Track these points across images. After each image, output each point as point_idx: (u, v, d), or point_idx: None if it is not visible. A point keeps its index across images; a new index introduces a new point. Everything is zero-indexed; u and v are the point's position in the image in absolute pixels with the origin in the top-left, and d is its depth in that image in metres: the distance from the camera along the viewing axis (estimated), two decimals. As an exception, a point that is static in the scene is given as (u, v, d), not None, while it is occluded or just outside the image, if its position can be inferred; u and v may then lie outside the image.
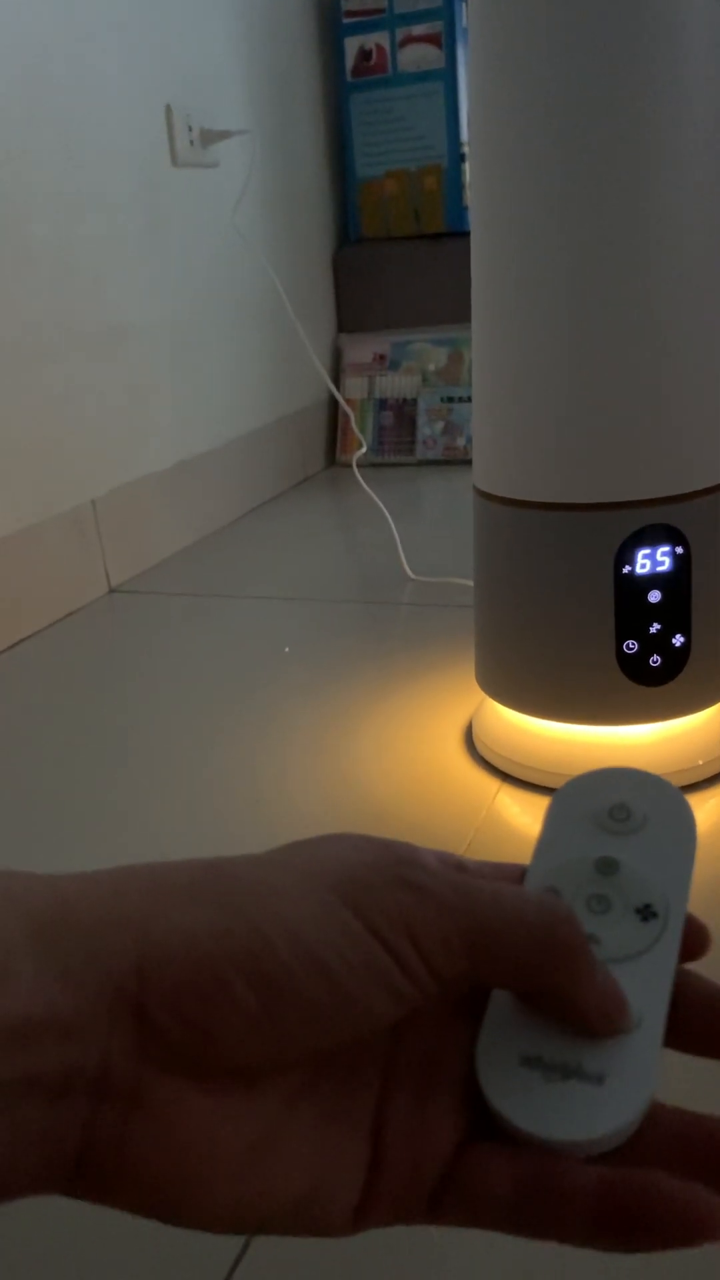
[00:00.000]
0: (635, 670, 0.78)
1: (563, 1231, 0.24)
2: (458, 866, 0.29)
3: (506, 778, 0.86)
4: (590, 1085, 0.26)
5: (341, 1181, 0.25)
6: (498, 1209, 0.25)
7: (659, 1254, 0.24)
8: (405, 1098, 0.27)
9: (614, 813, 0.31)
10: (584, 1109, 0.25)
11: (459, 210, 1.90)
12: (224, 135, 1.60)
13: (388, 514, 1.42)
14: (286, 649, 1.19)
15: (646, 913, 0.29)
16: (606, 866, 0.30)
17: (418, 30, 1.85)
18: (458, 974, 0.26)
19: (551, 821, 0.32)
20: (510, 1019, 0.28)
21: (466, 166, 1.88)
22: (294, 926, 0.25)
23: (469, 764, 0.89)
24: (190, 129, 1.55)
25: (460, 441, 1.92)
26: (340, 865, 0.26)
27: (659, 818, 0.31)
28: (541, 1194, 0.25)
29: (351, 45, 1.89)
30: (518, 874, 0.31)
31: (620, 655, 0.77)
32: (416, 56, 1.86)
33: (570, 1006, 0.27)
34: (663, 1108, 0.26)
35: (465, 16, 1.74)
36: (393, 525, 1.41)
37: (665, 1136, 0.26)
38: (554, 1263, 0.47)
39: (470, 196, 0.79)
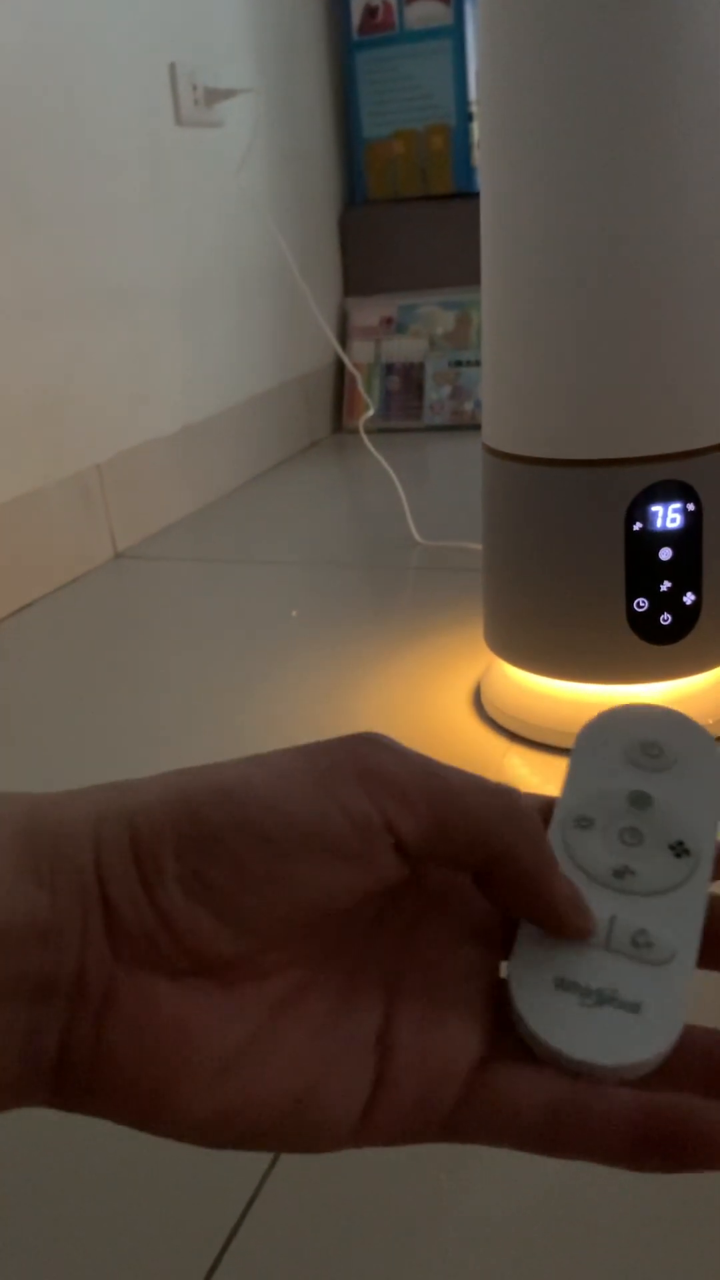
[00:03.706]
0: (645, 629, 0.77)
1: (599, 1152, 0.25)
2: None
3: (515, 738, 0.85)
4: (626, 1013, 0.26)
5: (338, 1092, 0.25)
6: (527, 1129, 0.25)
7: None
8: (414, 1013, 0.27)
9: (646, 749, 0.31)
10: (621, 1035, 0.26)
11: (467, 171, 1.87)
12: (228, 94, 1.58)
13: (395, 478, 1.41)
14: (294, 613, 1.18)
15: (679, 849, 0.29)
16: (640, 800, 0.30)
17: (425, -14, 1.82)
18: (419, 828, 0.25)
19: (581, 753, 0.32)
20: (543, 941, 0.28)
21: (475, 126, 1.85)
22: (229, 792, 0.25)
23: (477, 725, 0.89)
24: (194, 87, 1.53)
25: (468, 406, 1.91)
26: (313, 745, 0.27)
27: (689, 758, 0.31)
28: (578, 1115, 0.25)
29: (357, 2, 1.86)
30: (542, 802, 0.31)
31: (630, 613, 0.77)
32: (424, 13, 1.83)
33: (538, 888, 0.27)
34: (692, 1027, 0.26)
35: (473, -29, 1.71)
36: (400, 490, 1.40)
37: (696, 1056, 0.26)
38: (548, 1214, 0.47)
39: (479, 154, 0.77)
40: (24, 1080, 0.24)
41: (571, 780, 0.31)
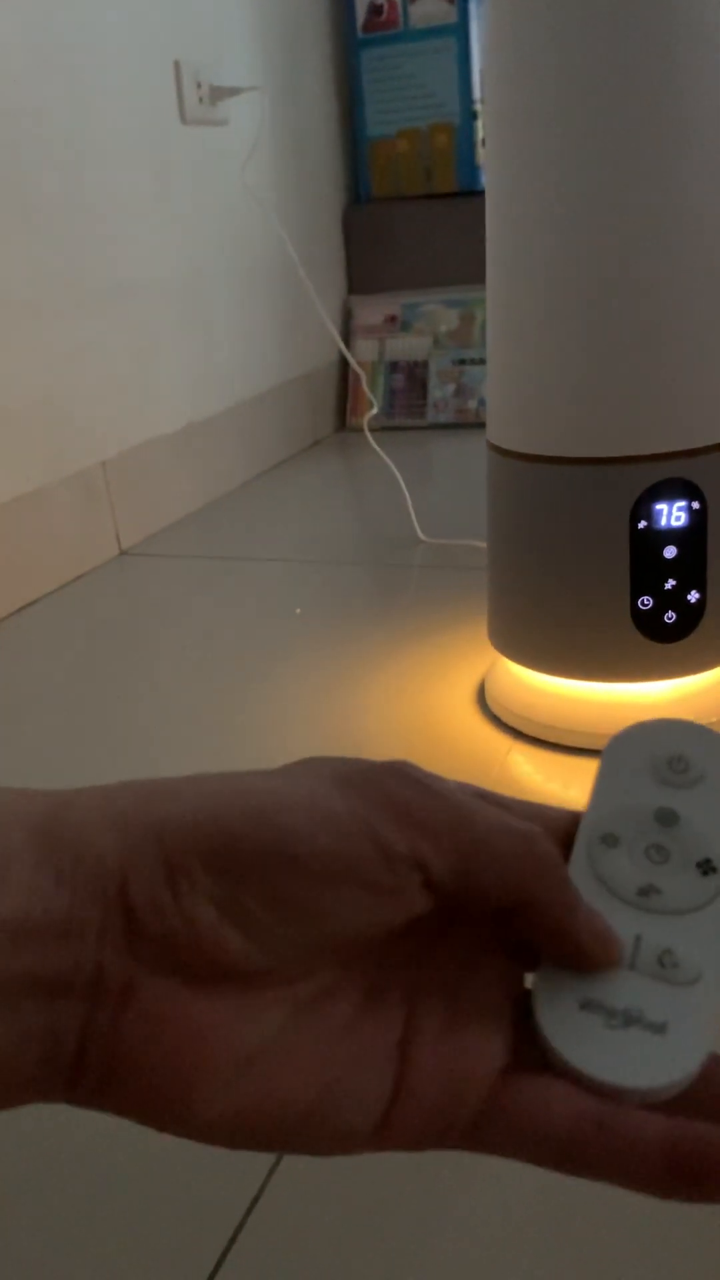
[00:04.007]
0: (650, 627, 0.77)
1: (623, 1174, 0.24)
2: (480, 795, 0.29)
3: (519, 735, 0.85)
4: (652, 1034, 0.26)
5: (357, 1096, 0.25)
6: (552, 1144, 0.25)
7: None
8: (436, 1020, 0.26)
9: (673, 764, 0.31)
10: (647, 1057, 0.25)
11: (471, 169, 1.87)
12: (233, 92, 1.58)
13: (399, 476, 1.41)
14: (298, 611, 1.18)
15: (706, 867, 0.28)
16: (666, 817, 0.30)
17: (429, -16, 1.82)
18: (448, 867, 0.25)
19: (607, 768, 0.31)
20: None
21: (479, 124, 1.85)
22: (266, 816, 0.24)
23: (481, 722, 0.89)
24: (199, 85, 1.53)
25: (472, 404, 1.91)
26: (343, 766, 0.26)
27: (717, 773, 0.31)
28: (604, 1136, 0.24)
29: (362, 0, 1.86)
30: (567, 818, 0.30)
31: (635, 612, 0.77)
32: (428, 11, 1.83)
33: (561, 930, 0.26)
34: (714, 1056, 0.26)
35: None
36: (404, 488, 1.40)
37: (717, 1084, 0.26)
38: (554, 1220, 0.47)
39: (485, 151, 0.78)
40: (42, 1077, 0.24)
41: (597, 796, 0.30)
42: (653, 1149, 0.24)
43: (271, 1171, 0.51)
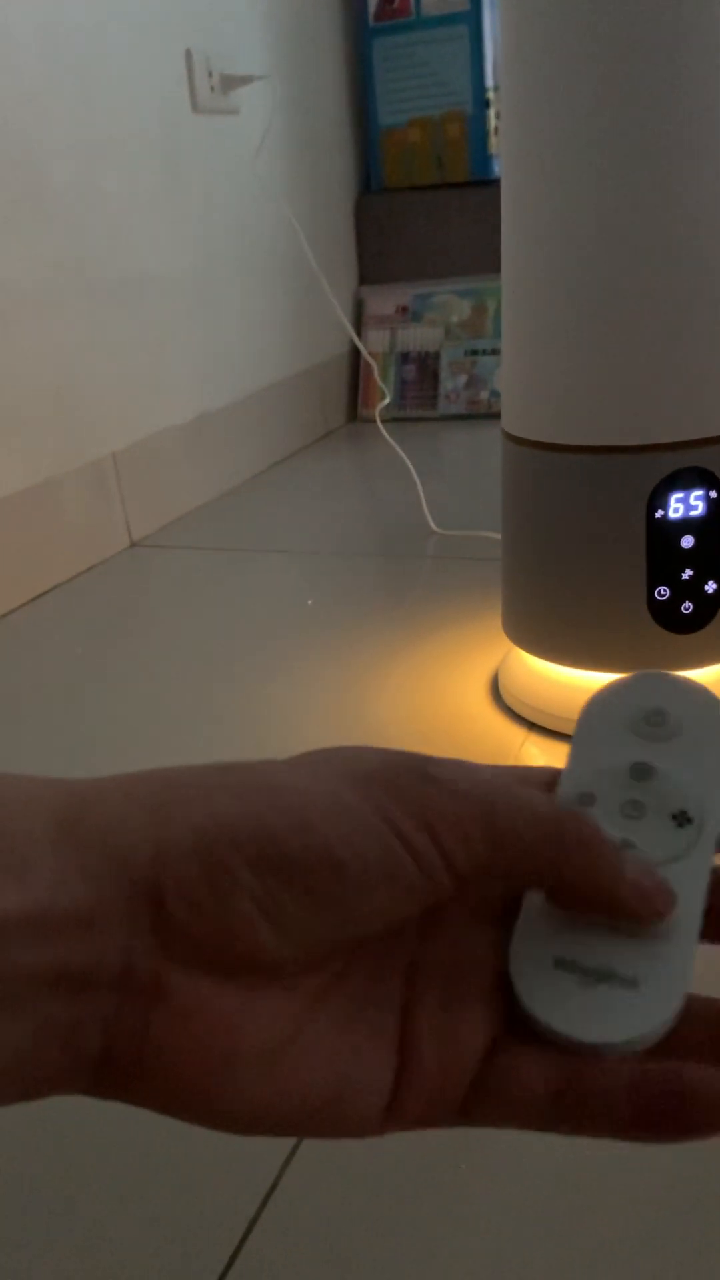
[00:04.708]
0: (666, 617, 0.76)
1: (597, 1128, 0.25)
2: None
3: (533, 727, 0.85)
4: (624, 989, 0.26)
5: (368, 1082, 0.25)
6: (532, 1109, 0.26)
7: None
8: (433, 1001, 0.27)
9: (650, 718, 0.31)
10: (619, 1012, 0.26)
11: (483, 158, 1.86)
12: (245, 80, 1.57)
13: (411, 467, 1.40)
14: (309, 602, 1.18)
15: (681, 819, 0.28)
16: (642, 772, 0.29)
17: (442, -29, 1.80)
18: (477, 866, 0.25)
19: (585, 727, 0.31)
20: (543, 922, 0.27)
21: (492, 112, 1.84)
22: (304, 818, 0.24)
23: (495, 714, 0.88)
24: (210, 74, 1.52)
25: (484, 395, 1.90)
26: (358, 762, 0.26)
27: (694, 724, 0.30)
28: (576, 1093, 0.25)
29: (374, -12, 1.85)
30: (547, 777, 0.30)
31: (651, 602, 0.76)
32: (440, -1, 1.82)
33: (604, 900, 0.26)
34: (695, 998, 0.26)
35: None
36: (416, 479, 1.39)
37: (699, 1027, 0.26)
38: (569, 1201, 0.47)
39: (501, 138, 0.77)
40: (65, 1071, 0.24)
41: (574, 756, 0.31)
42: (621, 1097, 0.25)
43: (287, 1163, 0.50)
